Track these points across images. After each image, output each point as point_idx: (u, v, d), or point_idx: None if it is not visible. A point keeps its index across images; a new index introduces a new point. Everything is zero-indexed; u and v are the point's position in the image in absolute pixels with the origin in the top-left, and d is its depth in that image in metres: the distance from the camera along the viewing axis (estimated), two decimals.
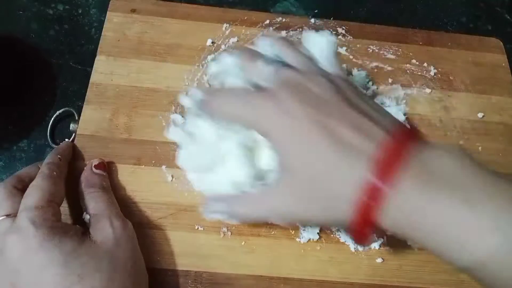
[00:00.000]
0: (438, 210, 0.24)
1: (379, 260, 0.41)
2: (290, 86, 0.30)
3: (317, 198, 0.28)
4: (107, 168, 0.42)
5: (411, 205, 0.25)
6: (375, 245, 0.42)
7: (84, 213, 0.37)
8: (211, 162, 0.37)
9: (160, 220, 0.41)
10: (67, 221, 0.39)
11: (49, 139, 0.46)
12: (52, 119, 0.46)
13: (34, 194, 0.34)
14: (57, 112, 0.46)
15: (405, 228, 0.26)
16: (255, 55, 0.34)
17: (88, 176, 0.40)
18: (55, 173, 0.37)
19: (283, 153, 0.29)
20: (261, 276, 0.40)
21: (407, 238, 0.27)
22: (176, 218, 0.41)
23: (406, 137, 0.27)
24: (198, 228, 0.41)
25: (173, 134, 0.40)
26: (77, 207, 0.39)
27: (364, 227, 0.27)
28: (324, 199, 0.28)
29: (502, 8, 0.61)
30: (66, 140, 0.44)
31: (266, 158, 0.35)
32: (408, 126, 0.29)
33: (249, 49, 0.36)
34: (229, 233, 0.41)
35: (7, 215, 0.34)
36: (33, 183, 0.36)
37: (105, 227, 0.35)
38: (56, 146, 0.43)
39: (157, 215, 0.41)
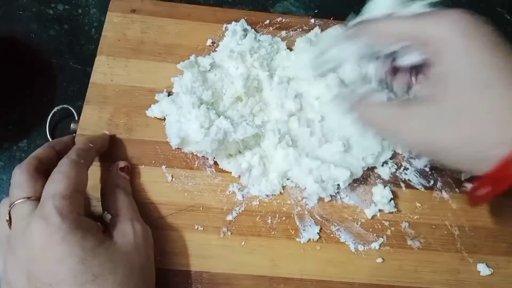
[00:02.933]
0: None
1: (379, 260, 0.41)
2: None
3: (470, 130, 0.27)
4: (130, 172, 0.42)
5: None
6: (375, 245, 0.42)
7: (105, 212, 0.37)
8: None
9: (160, 220, 0.41)
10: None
11: (49, 138, 0.46)
12: (50, 116, 0.46)
13: (60, 182, 0.33)
14: (55, 109, 0.46)
15: None
16: None
17: (113, 177, 0.40)
18: (82, 161, 0.36)
19: (444, 68, 0.28)
20: (261, 276, 0.40)
21: None
22: (176, 218, 0.41)
23: None
24: (198, 228, 0.41)
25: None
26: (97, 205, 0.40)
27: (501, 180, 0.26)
28: (475, 134, 0.27)
29: (502, 8, 0.61)
30: (105, 132, 0.44)
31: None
32: None
33: None
34: (229, 233, 0.41)
35: (28, 198, 0.34)
36: (60, 169, 0.35)
37: (126, 230, 0.35)
38: (92, 135, 0.42)
39: (157, 215, 0.41)
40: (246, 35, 0.49)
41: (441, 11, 0.27)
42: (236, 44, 0.48)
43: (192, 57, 0.46)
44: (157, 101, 0.45)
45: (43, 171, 0.36)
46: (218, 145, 0.41)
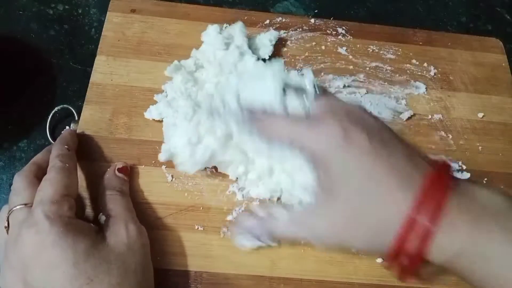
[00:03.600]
0: (491, 247, 0.25)
1: (379, 260, 0.41)
2: (341, 113, 0.30)
3: (365, 223, 0.28)
4: (129, 172, 0.42)
5: (461, 239, 0.26)
6: None
7: (100, 214, 0.37)
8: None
9: (160, 220, 0.41)
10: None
11: (49, 138, 0.45)
12: (50, 116, 0.46)
13: (48, 188, 0.34)
14: (55, 109, 0.46)
15: (455, 262, 0.27)
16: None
17: (109, 179, 0.40)
18: (67, 165, 0.37)
19: (332, 177, 0.29)
20: (261, 276, 0.40)
21: (458, 274, 0.28)
22: (176, 218, 0.41)
23: (446, 171, 0.28)
24: (198, 228, 0.41)
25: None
26: (94, 207, 0.40)
27: (405, 259, 0.28)
28: (373, 225, 0.28)
29: (502, 8, 0.61)
30: (67, 127, 0.44)
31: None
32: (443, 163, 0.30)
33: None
34: (229, 233, 0.41)
35: (25, 204, 0.34)
36: (46, 176, 0.35)
37: (119, 231, 0.35)
38: (60, 136, 0.41)
39: (157, 215, 0.41)
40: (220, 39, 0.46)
41: (319, 125, 0.30)
42: (212, 53, 0.46)
43: (175, 61, 0.46)
44: (156, 102, 0.45)
45: (42, 177, 0.36)
46: (202, 166, 0.40)
